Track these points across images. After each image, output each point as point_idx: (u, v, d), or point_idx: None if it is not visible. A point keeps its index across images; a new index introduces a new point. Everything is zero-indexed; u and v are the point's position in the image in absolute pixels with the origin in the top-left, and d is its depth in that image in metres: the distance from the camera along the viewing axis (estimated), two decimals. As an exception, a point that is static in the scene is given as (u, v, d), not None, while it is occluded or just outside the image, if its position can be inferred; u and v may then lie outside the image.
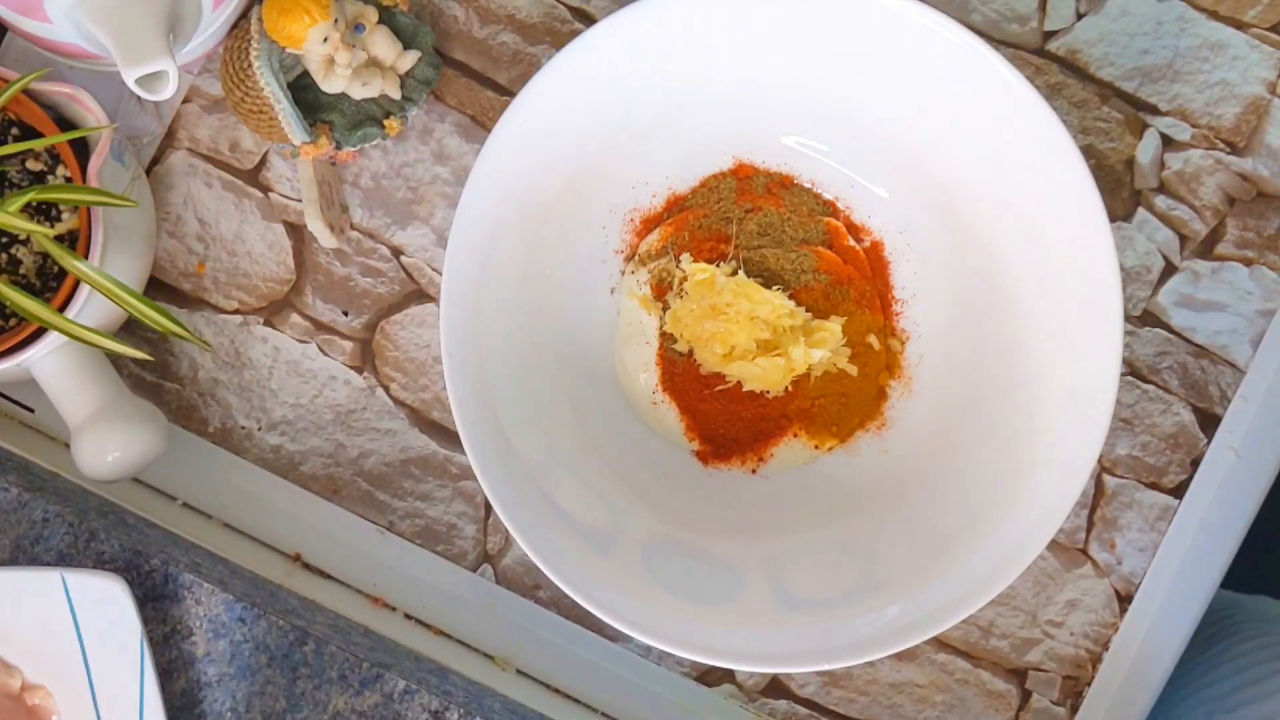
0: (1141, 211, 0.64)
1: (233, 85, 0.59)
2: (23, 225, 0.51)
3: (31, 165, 0.57)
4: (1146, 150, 0.64)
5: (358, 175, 0.64)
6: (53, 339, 0.56)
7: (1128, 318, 0.63)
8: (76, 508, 0.59)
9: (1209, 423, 0.63)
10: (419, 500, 0.63)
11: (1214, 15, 0.64)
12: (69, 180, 0.57)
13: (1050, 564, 0.63)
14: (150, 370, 0.64)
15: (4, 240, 0.57)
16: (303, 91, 0.60)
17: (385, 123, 0.61)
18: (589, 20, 0.64)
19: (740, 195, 0.62)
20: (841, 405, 0.62)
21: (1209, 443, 0.63)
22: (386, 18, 0.61)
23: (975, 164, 0.58)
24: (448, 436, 0.63)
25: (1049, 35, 0.64)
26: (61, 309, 0.54)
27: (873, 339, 0.62)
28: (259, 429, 0.64)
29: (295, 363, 0.64)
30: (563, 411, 0.61)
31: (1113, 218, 0.63)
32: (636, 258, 0.62)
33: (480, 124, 0.64)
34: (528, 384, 0.60)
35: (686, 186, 0.62)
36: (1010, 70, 0.55)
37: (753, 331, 0.60)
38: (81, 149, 0.57)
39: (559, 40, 0.64)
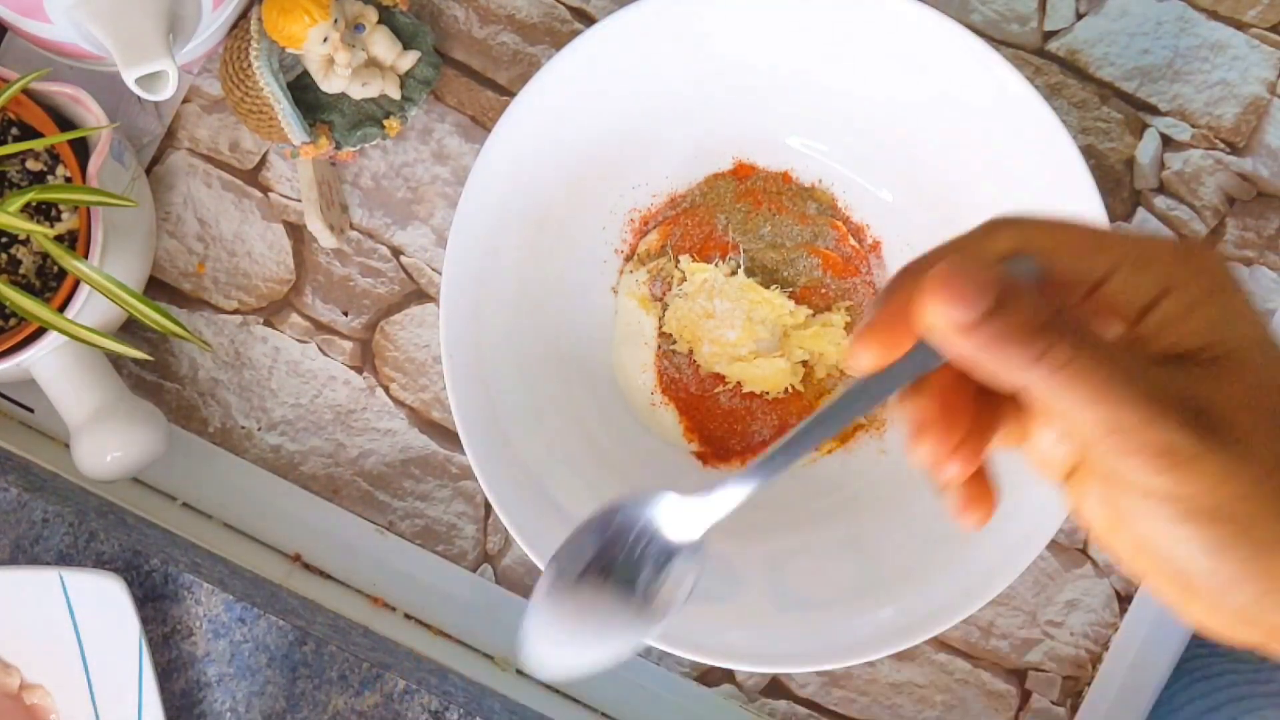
0: (1141, 211, 0.64)
1: (233, 85, 0.59)
2: (23, 225, 0.51)
3: (31, 165, 0.57)
4: (1146, 150, 0.64)
5: (358, 175, 0.64)
6: (53, 339, 0.56)
7: (1128, 318, 0.63)
8: (76, 508, 0.59)
9: (1209, 423, 0.63)
10: (419, 500, 0.63)
11: (1214, 15, 0.64)
12: (69, 180, 0.57)
13: (1050, 564, 0.63)
14: (150, 370, 0.64)
15: (4, 240, 0.57)
16: (303, 91, 0.60)
17: (385, 123, 0.61)
18: (589, 20, 0.64)
19: (740, 195, 0.62)
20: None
21: (1209, 443, 0.63)
22: (386, 18, 0.61)
23: (975, 164, 0.58)
24: (448, 436, 0.63)
25: (1049, 35, 0.64)
26: (61, 309, 0.54)
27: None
28: (259, 429, 0.64)
29: (295, 363, 0.64)
30: (563, 411, 0.61)
31: (1113, 218, 0.63)
32: (635, 258, 0.62)
33: (480, 124, 0.64)
34: (528, 384, 0.60)
35: (686, 186, 0.62)
36: (1010, 70, 0.55)
37: (752, 332, 0.60)
38: (81, 149, 0.57)
39: (559, 40, 0.64)
